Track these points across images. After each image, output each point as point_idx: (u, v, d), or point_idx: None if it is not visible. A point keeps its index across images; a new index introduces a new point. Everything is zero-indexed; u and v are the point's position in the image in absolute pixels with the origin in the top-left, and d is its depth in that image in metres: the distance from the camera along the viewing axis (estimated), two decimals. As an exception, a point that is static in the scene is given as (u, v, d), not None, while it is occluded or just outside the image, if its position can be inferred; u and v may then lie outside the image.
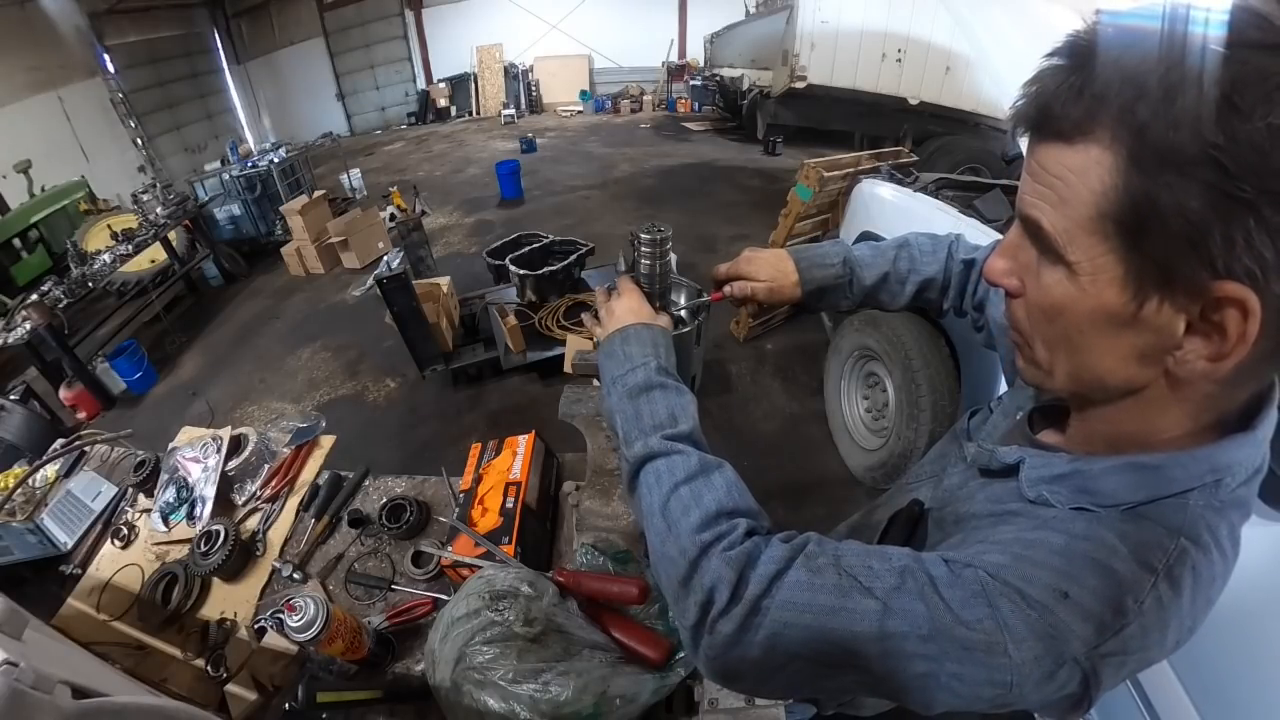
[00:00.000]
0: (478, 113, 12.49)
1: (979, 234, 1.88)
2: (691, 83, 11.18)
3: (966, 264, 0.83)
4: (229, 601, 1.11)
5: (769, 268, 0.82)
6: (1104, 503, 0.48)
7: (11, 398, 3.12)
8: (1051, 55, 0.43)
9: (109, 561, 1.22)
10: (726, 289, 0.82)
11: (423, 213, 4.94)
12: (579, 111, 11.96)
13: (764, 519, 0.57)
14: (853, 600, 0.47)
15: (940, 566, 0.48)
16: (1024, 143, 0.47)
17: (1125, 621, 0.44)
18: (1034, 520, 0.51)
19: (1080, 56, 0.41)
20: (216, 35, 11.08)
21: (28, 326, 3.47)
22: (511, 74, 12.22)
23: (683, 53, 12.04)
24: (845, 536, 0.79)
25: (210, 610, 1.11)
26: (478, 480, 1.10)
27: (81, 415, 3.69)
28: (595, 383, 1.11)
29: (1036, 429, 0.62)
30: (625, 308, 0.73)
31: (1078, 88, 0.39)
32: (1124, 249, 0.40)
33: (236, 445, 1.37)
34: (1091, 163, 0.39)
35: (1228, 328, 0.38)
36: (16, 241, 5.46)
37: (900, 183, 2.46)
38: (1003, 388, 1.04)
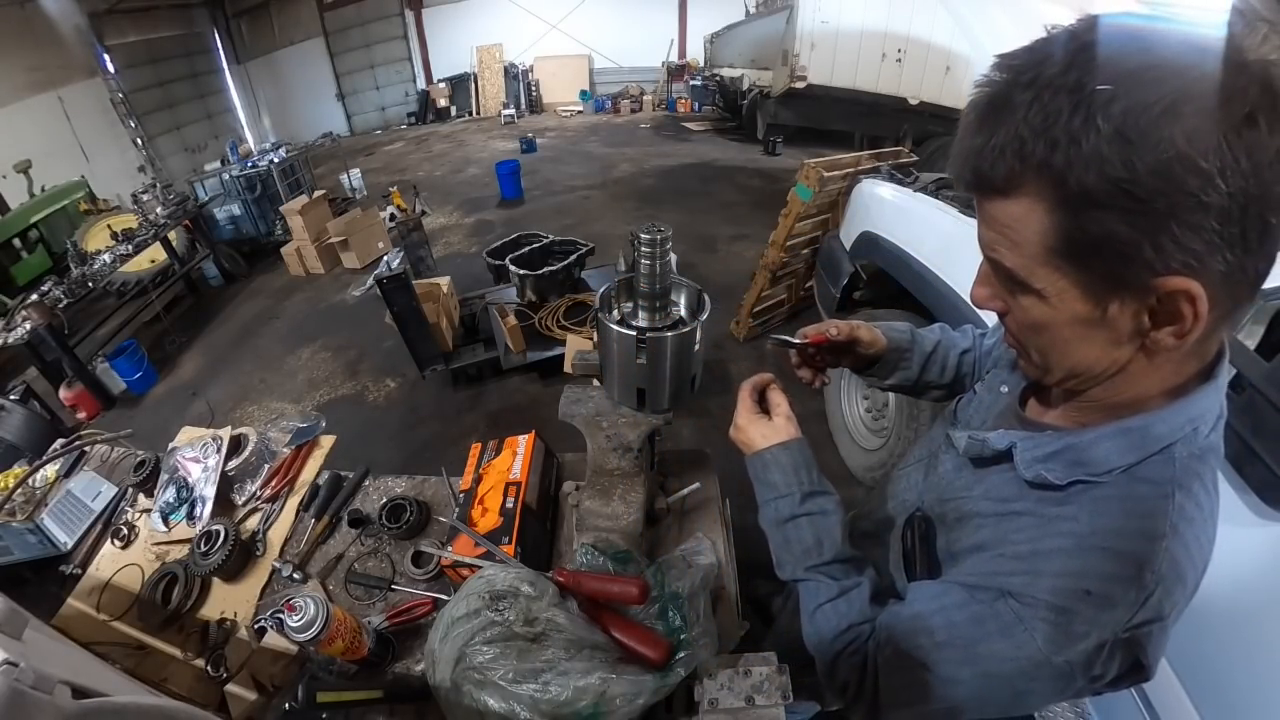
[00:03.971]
0: (478, 113, 12.48)
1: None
2: (691, 83, 11.18)
3: (983, 334, 0.93)
4: (229, 601, 1.11)
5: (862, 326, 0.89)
6: (1098, 470, 0.53)
7: (11, 398, 3.11)
8: (971, 108, 0.49)
9: (109, 561, 1.22)
10: (831, 331, 0.87)
11: (423, 213, 4.94)
12: (579, 111, 11.96)
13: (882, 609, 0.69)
14: (916, 676, 0.60)
15: (971, 606, 0.57)
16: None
17: (1148, 592, 0.49)
18: (1040, 521, 0.55)
19: (990, 111, 0.46)
20: (216, 35, 11.08)
21: (28, 326, 3.47)
22: (511, 74, 12.21)
23: (683, 53, 12.03)
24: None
25: (210, 610, 1.11)
26: (478, 480, 1.09)
27: (81, 415, 3.68)
28: (595, 383, 1.11)
29: (1024, 401, 0.68)
30: (759, 431, 0.79)
31: (999, 149, 0.44)
32: (1075, 271, 0.46)
33: (236, 445, 1.37)
34: (1026, 210, 0.46)
35: (1182, 312, 0.44)
36: (16, 241, 5.46)
37: (900, 183, 2.46)
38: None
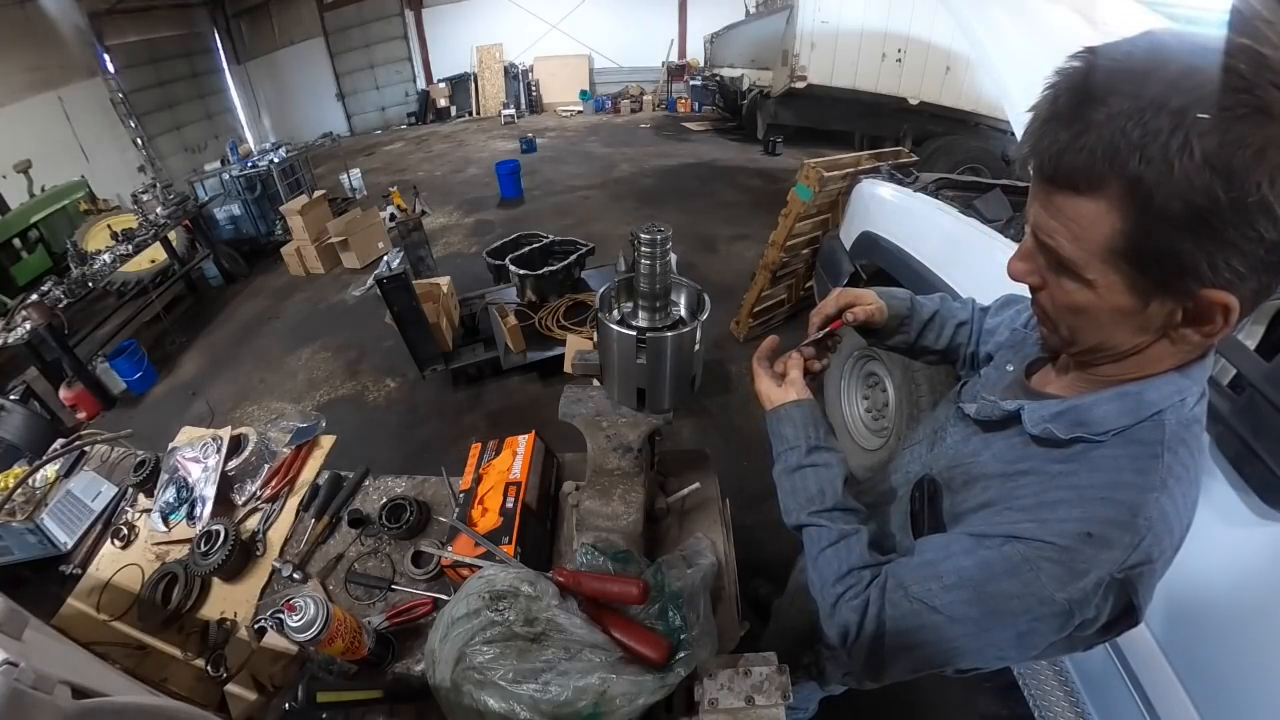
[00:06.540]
0: (478, 113, 12.48)
1: (979, 234, 1.87)
2: (691, 83, 11.16)
3: (983, 310, 0.96)
4: (229, 601, 1.11)
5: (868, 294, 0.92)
6: (1097, 430, 0.58)
7: (11, 398, 3.11)
8: (1055, 95, 0.48)
9: (109, 561, 1.22)
10: (849, 316, 0.89)
11: (423, 213, 4.93)
12: (579, 111, 11.95)
13: (885, 559, 0.72)
14: (927, 618, 0.63)
15: (979, 551, 0.60)
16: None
17: (1140, 536, 0.54)
18: (1044, 478, 0.60)
19: (1083, 105, 0.47)
20: (216, 35, 11.08)
21: (28, 326, 3.46)
22: (511, 74, 12.21)
23: (683, 53, 12.03)
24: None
25: (210, 610, 1.11)
26: (478, 480, 1.09)
27: (81, 415, 3.68)
28: (595, 383, 1.11)
29: (1029, 376, 0.74)
30: (773, 390, 0.85)
31: (1089, 150, 0.46)
32: (1130, 272, 0.50)
33: (236, 445, 1.37)
34: (1102, 213, 0.48)
35: (1216, 319, 0.49)
36: (16, 241, 5.45)
37: (900, 183, 2.46)
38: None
